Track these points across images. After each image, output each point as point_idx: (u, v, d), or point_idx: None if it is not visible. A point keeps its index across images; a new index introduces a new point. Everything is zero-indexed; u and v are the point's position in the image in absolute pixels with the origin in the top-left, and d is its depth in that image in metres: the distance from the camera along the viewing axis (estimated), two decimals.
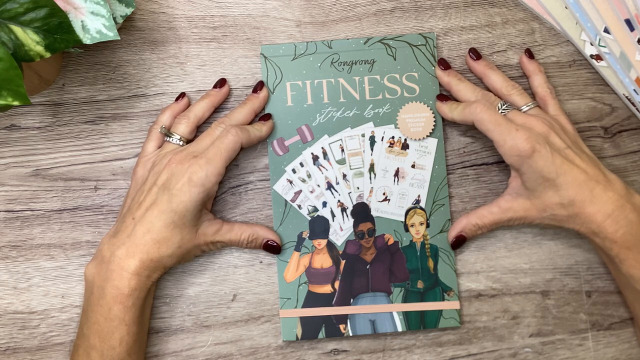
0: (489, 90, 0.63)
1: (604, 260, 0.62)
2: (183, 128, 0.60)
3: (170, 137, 0.60)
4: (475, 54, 0.63)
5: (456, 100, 0.62)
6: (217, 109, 0.63)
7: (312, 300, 0.62)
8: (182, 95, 0.63)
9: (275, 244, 0.61)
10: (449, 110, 0.61)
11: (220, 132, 0.59)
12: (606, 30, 0.64)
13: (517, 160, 0.56)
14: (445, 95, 0.63)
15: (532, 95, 0.63)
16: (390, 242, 0.62)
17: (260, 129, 0.61)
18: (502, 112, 0.59)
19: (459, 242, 0.61)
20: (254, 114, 0.62)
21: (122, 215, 0.59)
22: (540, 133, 0.57)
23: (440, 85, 0.64)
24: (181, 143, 0.60)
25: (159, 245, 0.56)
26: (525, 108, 0.60)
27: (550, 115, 0.60)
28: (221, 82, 0.63)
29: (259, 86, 0.63)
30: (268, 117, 0.62)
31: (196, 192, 0.56)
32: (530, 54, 0.63)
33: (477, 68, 0.63)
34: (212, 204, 0.62)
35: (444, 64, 0.63)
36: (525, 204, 0.58)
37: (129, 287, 0.55)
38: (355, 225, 0.63)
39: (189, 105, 0.63)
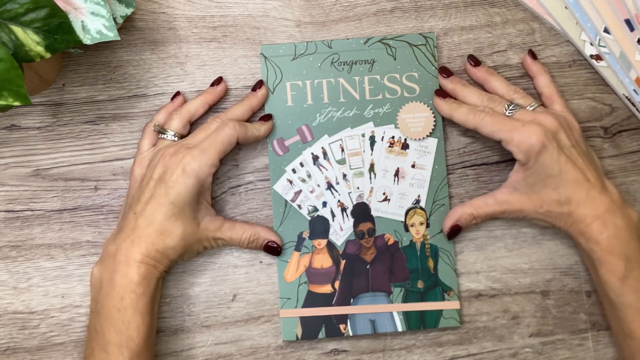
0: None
1: (587, 265, 0.61)
2: (175, 124, 0.60)
3: (164, 133, 0.60)
4: (474, 60, 0.63)
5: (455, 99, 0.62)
6: (213, 109, 0.63)
7: (312, 300, 0.62)
8: (177, 94, 0.63)
9: (275, 245, 0.61)
10: (449, 108, 0.61)
11: (214, 126, 0.59)
12: (606, 30, 0.64)
13: (525, 155, 0.57)
14: (444, 92, 0.62)
15: (535, 96, 0.63)
16: (390, 242, 0.62)
17: (259, 128, 0.61)
18: (509, 113, 0.59)
19: (455, 232, 0.61)
20: (252, 112, 0.62)
21: (123, 214, 0.59)
22: (550, 128, 0.57)
23: (440, 85, 0.64)
24: (175, 139, 0.60)
25: (163, 237, 0.56)
26: (529, 108, 0.60)
27: (557, 113, 0.60)
28: (218, 81, 0.63)
29: (258, 85, 0.63)
30: (268, 117, 0.62)
31: (190, 182, 0.56)
32: (533, 55, 0.63)
33: (478, 74, 0.63)
34: (212, 204, 0.62)
35: (446, 72, 0.63)
36: (522, 198, 0.59)
37: (138, 274, 0.54)
38: (355, 225, 0.63)
39: (184, 103, 0.63)
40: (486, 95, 0.61)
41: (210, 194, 0.60)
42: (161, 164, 0.57)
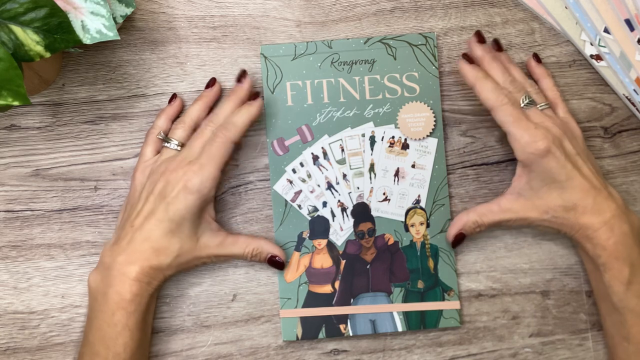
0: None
1: (588, 270, 0.61)
2: (180, 133, 0.60)
3: (168, 142, 0.60)
4: (498, 45, 0.63)
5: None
6: (213, 108, 0.63)
7: (313, 300, 0.62)
8: (174, 96, 0.63)
9: (280, 260, 0.60)
10: (475, 77, 0.59)
11: (208, 133, 0.58)
12: (606, 30, 0.64)
13: (530, 157, 0.57)
14: (470, 57, 0.60)
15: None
16: (391, 242, 0.62)
17: (249, 110, 0.58)
18: (524, 106, 0.59)
19: (459, 240, 0.61)
20: (242, 104, 0.60)
21: (121, 223, 0.59)
22: (557, 135, 0.57)
23: (440, 85, 0.64)
24: (179, 148, 0.60)
25: (157, 254, 0.56)
26: (539, 108, 0.60)
27: (560, 117, 0.61)
28: (212, 82, 0.63)
29: (242, 75, 0.61)
30: (256, 95, 0.60)
31: (192, 199, 0.56)
32: (537, 58, 0.63)
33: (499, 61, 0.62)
34: (215, 217, 0.61)
35: (480, 38, 0.61)
36: (527, 204, 0.59)
37: (130, 292, 0.55)
38: (355, 225, 0.62)
39: (182, 106, 0.63)
40: (509, 77, 0.60)
41: (214, 207, 0.60)
42: (162, 180, 0.57)
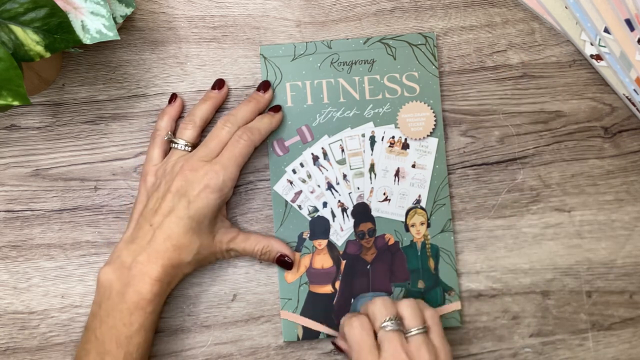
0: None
1: None
2: (190, 133, 0.60)
3: (176, 143, 0.60)
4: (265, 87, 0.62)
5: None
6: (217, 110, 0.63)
7: (313, 300, 0.62)
8: (174, 96, 0.63)
9: (289, 260, 0.61)
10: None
11: (226, 134, 0.58)
12: (606, 30, 0.64)
13: None
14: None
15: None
16: (391, 242, 0.62)
17: (271, 121, 0.61)
18: (383, 325, 0.53)
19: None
20: (258, 113, 0.61)
21: (135, 222, 0.58)
22: None
23: (440, 85, 0.64)
24: (188, 149, 0.60)
25: (179, 252, 0.56)
26: (413, 331, 0.54)
27: (433, 343, 0.54)
28: (220, 84, 0.63)
29: (264, 86, 0.62)
30: (278, 108, 0.62)
31: (213, 198, 0.56)
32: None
33: None
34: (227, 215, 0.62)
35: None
36: None
37: (151, 292, 0.54)
38: (355, 225, 0.62)
39: (183, 106, 0.63)
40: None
41: (226, 206, 0.61)
42: (180, 178, 0.56)
